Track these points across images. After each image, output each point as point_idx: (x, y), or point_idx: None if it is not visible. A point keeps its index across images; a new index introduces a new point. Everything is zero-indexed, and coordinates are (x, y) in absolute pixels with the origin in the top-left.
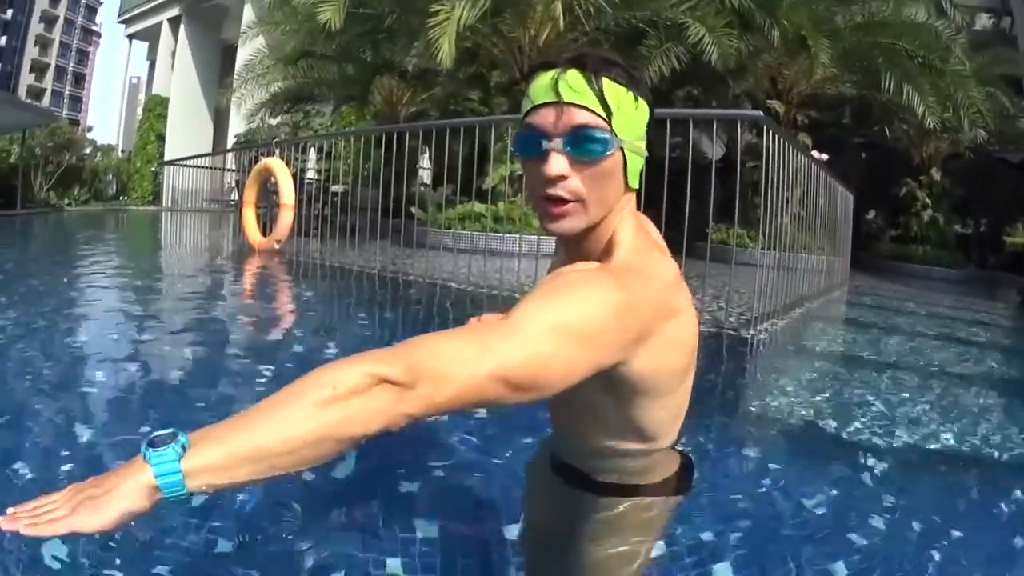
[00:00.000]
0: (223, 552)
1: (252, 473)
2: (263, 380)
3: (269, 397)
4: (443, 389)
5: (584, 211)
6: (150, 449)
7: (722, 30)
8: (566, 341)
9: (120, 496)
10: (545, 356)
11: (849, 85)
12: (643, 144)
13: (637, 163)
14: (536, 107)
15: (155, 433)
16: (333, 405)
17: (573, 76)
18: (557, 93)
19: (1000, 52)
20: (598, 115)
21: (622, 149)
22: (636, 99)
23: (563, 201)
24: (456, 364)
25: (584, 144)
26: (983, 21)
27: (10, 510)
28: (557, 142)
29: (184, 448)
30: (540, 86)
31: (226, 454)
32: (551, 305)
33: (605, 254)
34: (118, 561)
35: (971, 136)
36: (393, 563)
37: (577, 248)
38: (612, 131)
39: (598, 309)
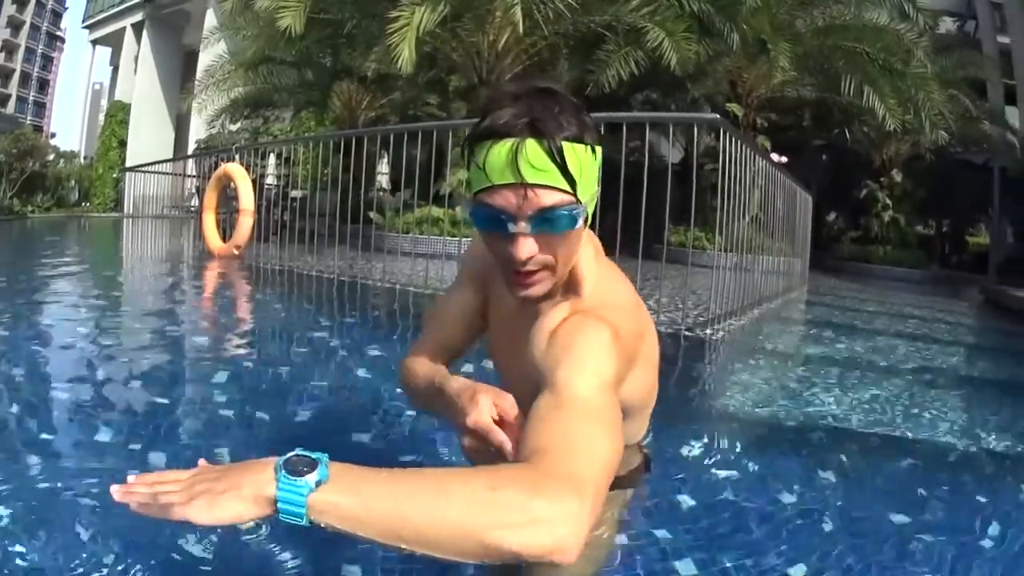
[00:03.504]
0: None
1: (377, 534)
2: (220, 384)
3: (431, 469)
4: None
5: (553, 275)
6: (283, 471)
7: (681, 35)
8: (611, 394)
9: (239, 499)
10: (616, 410)
11: (809, 88)
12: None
13: (593, 205)
14: (495, 187)
15: (299, 451)
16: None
17: (533, 151)
18: (518, 172)
19: (964, 55)
20: (564, 191)
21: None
22: (593, 150)
23: (533, 272)
24: (607, 471)
25: (553, 224)
26: (947, 25)
27: (131, 478)
28: (524, 225)
29: (319, 483)
30: (497, 162)
31: (360, 507)
32: (590, 367)
33: (571, 289)
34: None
35: (932, 138)
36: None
37: None
38: (578, 200)
39: (606, 353)
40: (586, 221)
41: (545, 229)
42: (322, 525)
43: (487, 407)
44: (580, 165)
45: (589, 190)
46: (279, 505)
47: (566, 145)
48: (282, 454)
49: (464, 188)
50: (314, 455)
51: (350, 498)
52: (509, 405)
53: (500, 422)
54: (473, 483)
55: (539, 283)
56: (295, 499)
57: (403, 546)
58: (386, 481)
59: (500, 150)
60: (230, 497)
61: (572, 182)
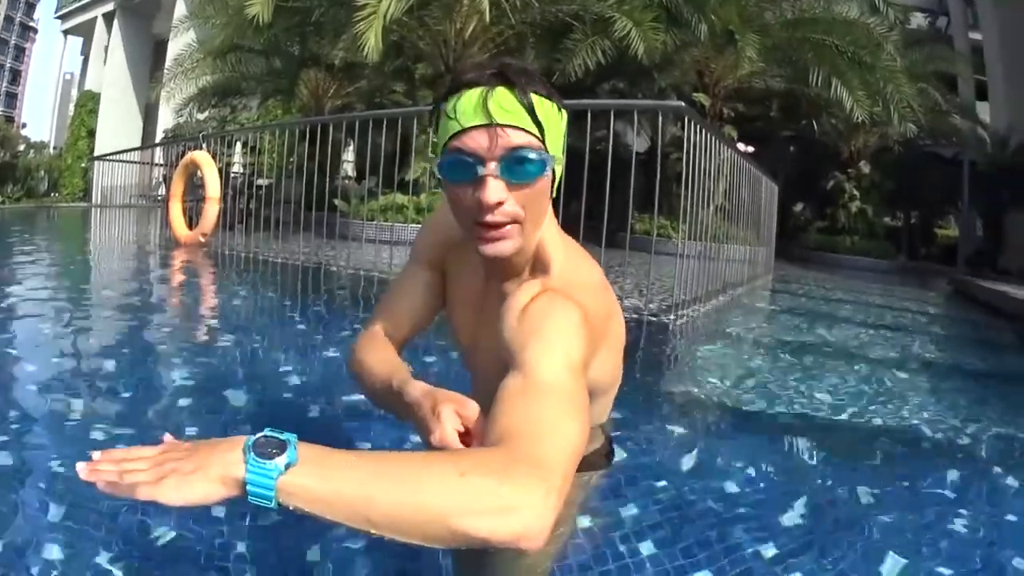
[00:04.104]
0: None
1: (345, 518)
2: (186, 366)
3: (399, 452)
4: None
5: (520, 232)
6: (252, 454)
7: (649, 24)
8: (579, 376)
9: (208, 480)
10: (583, 393)
11: (778, 79)
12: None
13: (558, 174)
14: (465, 130)
15: (268, 432)
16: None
17: (503, 94)
18: (488, 114)
19: (935, 50)
20: (532, 134)
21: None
22: (560, 111)
23: (500, 224)
24: (574, 456)
25: (521, 167)
26: (919, 20)
27: (96, 455)
28: (492, 167)
29: (289, 465)
30: (467, 106)
31: (329, 490)
32: (559, 348)
33: (538, 268)
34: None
35: (901, 130)
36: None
37: (504, 265)
38: (545, 149)
39: (575, 335)
40: (554, 179)
41: (515, 177)
42: (290, 508)
43: (451, 421)
44: (548, 116)
45: (556, 144)
46: (248, 488)
47: (535, 97)
48: (249, 434)
49: (432, 151)
50: (283, 436)
51: (319, 481)
52: (472, 413)
53: (465, 432)
54: (442, 468)
55: (507, 238)
56: (264, 482)
57: (372, 530)
58: (355, 464)
59: (471, 96)
60: (198, 478)
61: (540, 128)
